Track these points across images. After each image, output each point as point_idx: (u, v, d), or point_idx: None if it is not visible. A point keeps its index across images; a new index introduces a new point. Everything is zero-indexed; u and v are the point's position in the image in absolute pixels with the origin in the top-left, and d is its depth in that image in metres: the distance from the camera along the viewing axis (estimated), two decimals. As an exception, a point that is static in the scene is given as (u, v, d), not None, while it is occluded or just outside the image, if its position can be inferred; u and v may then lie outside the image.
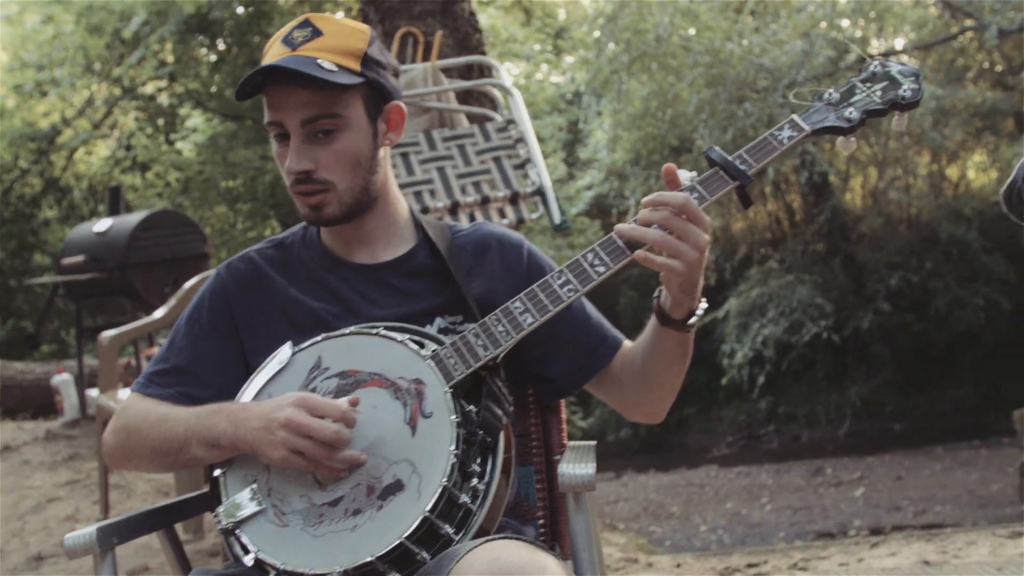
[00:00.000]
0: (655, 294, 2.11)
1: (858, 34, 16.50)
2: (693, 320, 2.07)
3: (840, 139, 2.08)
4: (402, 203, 2.31)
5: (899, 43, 17.10)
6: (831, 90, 2.11)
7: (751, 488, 12.62)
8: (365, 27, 2.19)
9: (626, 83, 16.59)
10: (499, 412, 2.02)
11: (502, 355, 2.04)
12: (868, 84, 2.11)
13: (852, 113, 2.07)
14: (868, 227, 16.99)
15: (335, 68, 2.08)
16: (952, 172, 17.64)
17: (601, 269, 2.01)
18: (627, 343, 2.27)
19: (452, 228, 2.32)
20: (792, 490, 12.25)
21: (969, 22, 15.21)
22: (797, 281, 15.83)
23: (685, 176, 2.01)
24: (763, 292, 15.90)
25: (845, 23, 16.37)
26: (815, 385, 16.36)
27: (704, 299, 2.09)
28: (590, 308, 2.28)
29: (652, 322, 2.12)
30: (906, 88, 2.08)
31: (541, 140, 18.77)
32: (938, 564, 4.74)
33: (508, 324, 2.02)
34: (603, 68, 16.64)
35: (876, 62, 2.13)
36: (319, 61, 2.07)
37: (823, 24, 15.64)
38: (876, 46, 16.66)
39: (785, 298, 15.63)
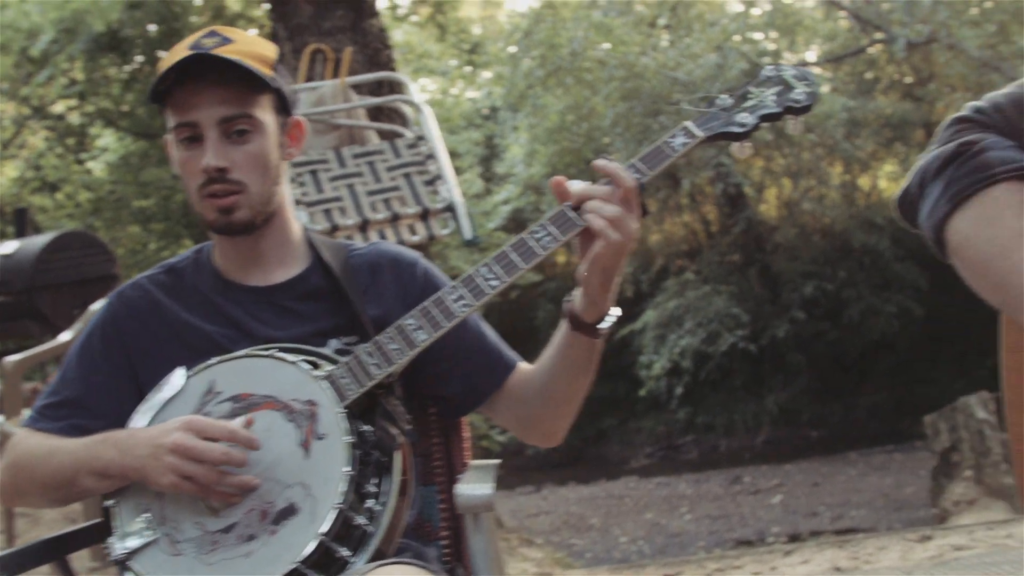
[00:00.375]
0: (566, 298, 2.08)
1: (771, 47, 16.71)
2: (604, 325, 2.05)
3: (735, 144, 2.06)
4: (296, 222, 2.27)
5: (811, 55, 17.34)
6: (725, 95, 2.10)
7: (670, 498, 12.69)
8: (270, 43, 2.18)
9: (542, 97, 16.66)
10: (394, 431, 1.99)
11: (397, 373, 2.00)
12: (762, 88, 2.09)
13: (746, 118, 2.05)
14: (783, 237, 17.19)
15: (252, 68, 2.06)
16: (864, 182, 17.91)
17: (495, 283, 1.99)
18: (523, 364, 2.24)
19: (347, 247, 2.29)
20: (711, 499, 12.33)
21: (879, 35, 15.48)
22: (713, 292, 15.97)
23: (576, 187, 2.00)
24: (680, 303, 16.02)
25: (758, 36, 16.56)
26: (733, 394, 16.51)
27: (617, 307, 2.07)
28: (486, 328, 2.25)
29: (561, 328, 2.10)
30: (800, 92, 2.06)
31: (457, 156, 18.76)
32: (849, 570, 4.79)
33: (402, 341, 2.00)
34: (519, 83, 16.70)
35: (770, 66, 2.12)
36: (237, 60, 2.05)
37: (736, 37, 15.81)
38: (789, 58, 16.86)
39: (702, 309, 15.76)
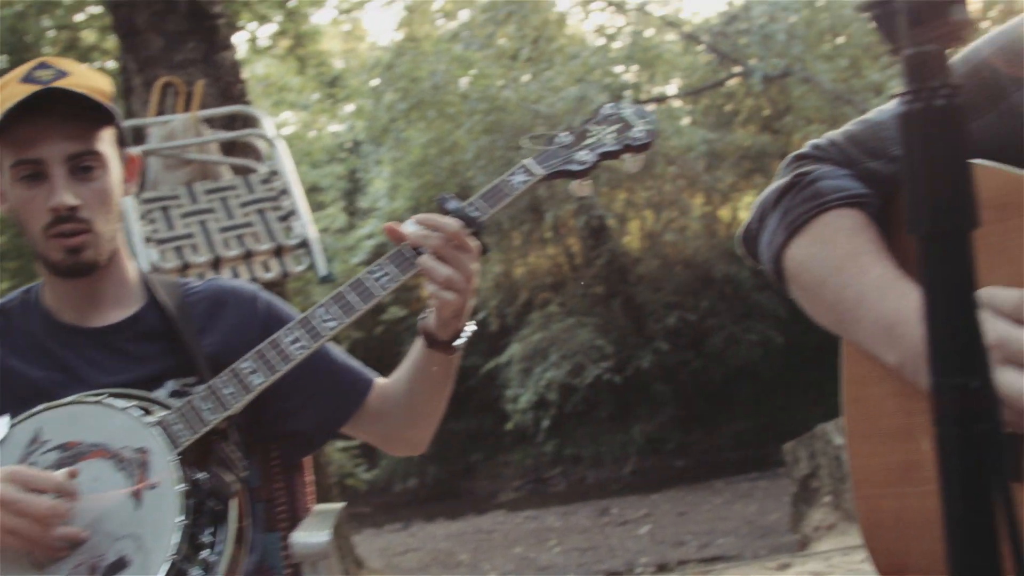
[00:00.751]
0: (420, 315, 2.05)
1: (632, 80, 16.94)
2: (459, 341, 2.03)
3: (574, 183, 2.06)
4: (131, 261, 2.20)
5: (671, 89, 17.64)
6: (565, 133, 2.09)
7: (539, 532, 12.68)
8: (105, 74, 2.11)
9: (405, 131, 16.65)
10: (230, 478, 1.93)
11: (234, 417, 1.94)
12: (602, 126, 2.09)
13: (585, 155, 2.05)
14: (646, 269, 17.40)
15: (101, 102, 2.00)
16: (724, 213, 18.23)
17: (332, 324, 1.96)
18: (380, 379, 2.22)
19: (184, 285, 2.23)
20: (580, 531, 12.35)
21: (736, 68, 15.80)
22: (578, 324, 16.07)
23: (410, 228, 1.97)
24: (545, 336, 16.09)
25: (619, 69, 16.78)
26: (599, 426, 16.60)
27: (473, 322, 2.04)
28: (336, 352, 2.22)
29: (417, 345, 2.08)
30: (639, 130, 2.07)
31: (320, 190, 18.65)
32: (711, 601, 4.80)
33: (237, 385, 1.94)
34: (381, 116, 16.69)
35: (609, 104, 2.12)
36: (85, 94, 1.98)
37: (597, 71, 15.99)
38: (649, 91, 17.13)
39: (567, 341, 15.85)
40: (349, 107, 20.25)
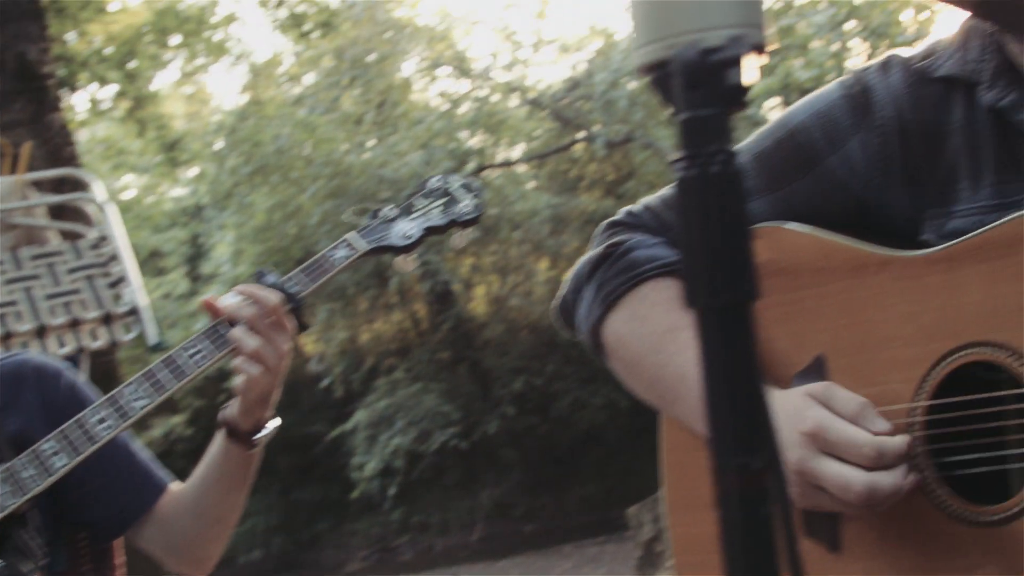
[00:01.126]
0: (223, 406, 1.98)
1: (476, 145, 17.05)
2: (261, 435, 1.97)
3: (398, 258, 2.03)
4: None
5: (516, 154, 17.79)
6: (390, 206, 2.06)
7: (386, 602, 12.51)
8: None
9: (249, 195, 16.43)
10: (28, 567, 1.82)
11: (38, 499, 1.85)
12: (428, 200, 2.07)
13: (411, 230, 2.02)
14: (492, 333, 17.41)
15: None
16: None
17: (142, 403, 1.87)
18: (174, 484, 2.11)
19: None
20: (426, 600, 12.22)
21: (580, 134, 16.03)
22: (424, 390, 15.99)
23: (229, 300, 1.91)
24: (391, 403, 15.96)
25: (464, 134, 16.88)
26: (446, 492, 16.49)
27: (277, 418, 1.98)
28: (136, 446, 2.10)
29: (216, 439, 2.00)
30: (466, 204, 2.05)
31: (163, 255, 18.28)
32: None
33: (37, 468, 1.84)
34: (225, 180, 16.46)
35: (436, 177, 2.10)
36: None
37: (442, 136, 16.05)
38: (494, 157, 17.25)
39: (413, 408, 15.74)
40: (192, 171, 19.96)
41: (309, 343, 17.04)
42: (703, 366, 0.81)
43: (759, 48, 0.84)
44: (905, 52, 1.64)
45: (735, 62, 0.81)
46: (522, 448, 16.67)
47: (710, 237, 0.80)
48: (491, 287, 18.31)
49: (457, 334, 17.17)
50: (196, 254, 19.59)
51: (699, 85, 0.81)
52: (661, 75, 0.84)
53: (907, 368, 1.46)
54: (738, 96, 0.83)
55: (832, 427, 1.43)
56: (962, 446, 1.42)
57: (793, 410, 1.45)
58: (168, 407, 14.23)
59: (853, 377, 1.51)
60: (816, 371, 1.56)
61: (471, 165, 15.81)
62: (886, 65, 1.63)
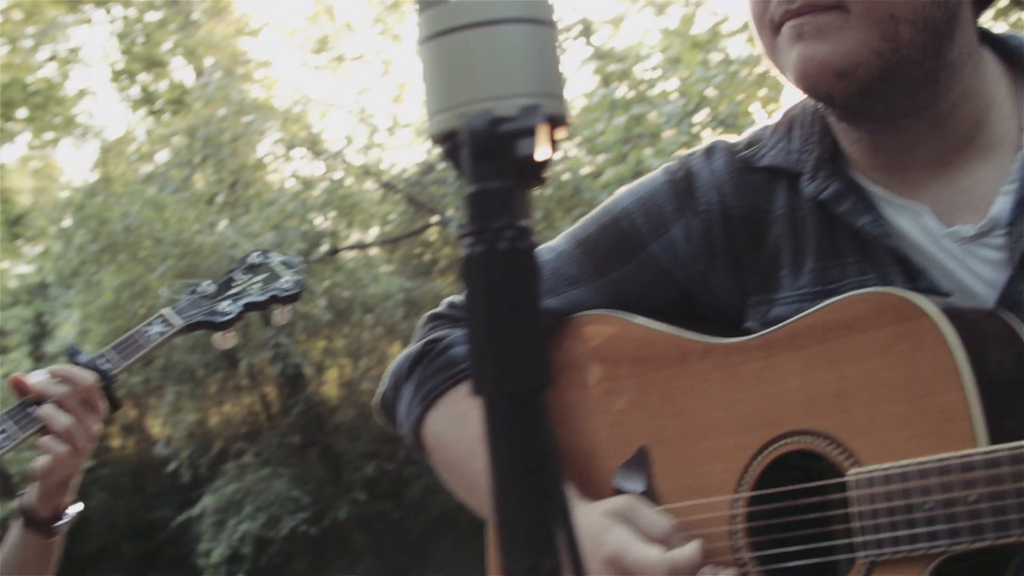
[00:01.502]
0: (20, 492, 1.87)
1: (329, 227, 16.97)
2: (61, 523, 1.88)
3: (216, 335, 1.95)
4: None
5: (369, 236, 17.74)
6: (208, 282, 1.99)
7: None
8: None
9: (96, 274, 16.06)
10: None
11: None
12: (248, 276, 2.01)
13: (229, 306, 1.96)
14: (343, 417, 17.23)
15: None
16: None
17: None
18: None
19: None
20: None
21: (434, 218, 16.07)
22: (274, 475, 15.73)
23: (38, 378, 1.82)
24: (239, 488, 15.65)
25: (316, 216, 16.79)
26: (296, 580, 16.18)
27: (78, 503, 1.88)
28: None
29: (14, 528, 1.91)
30: (287, 280, 2.00)
31: (5, 334, 17.70)
32: None
33: None
34: (71, 258, 16.10)
35: (256, 253, 2.04)
36: None
37: (294, 217, 15.94)
38: (347, 239, 17.19)
39: (262, 492, 15.46)
40: (38, 247, 19.46)
41: (156, 426, 16.65)
42: (490, 458, 0.75)
43: (556, 120, 0.79)
44: (730, 139, 1.64)
45: (527, 133, 0.76)
46: (373, 534, 16.45)
47: (498, 318, 0.74)
48: (343, 370, 18.14)
49: (308, 418, 16.94)
50: (40, 333, 19.07)
51: (487, 156, 0.76)
52: (452, 146, 0.80)
53: (729, 458, 1.43)
54: (532, 169, 0.78)
55: (628, 552, 1.40)
56: (784, 537, 1.39)
57: (594, 533, 1.43)
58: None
59: (676, 468, 1.48)
60: (638, 464, 1.52)
61: (324, 247, 15.72)
62: (710, 151, 1.62)
